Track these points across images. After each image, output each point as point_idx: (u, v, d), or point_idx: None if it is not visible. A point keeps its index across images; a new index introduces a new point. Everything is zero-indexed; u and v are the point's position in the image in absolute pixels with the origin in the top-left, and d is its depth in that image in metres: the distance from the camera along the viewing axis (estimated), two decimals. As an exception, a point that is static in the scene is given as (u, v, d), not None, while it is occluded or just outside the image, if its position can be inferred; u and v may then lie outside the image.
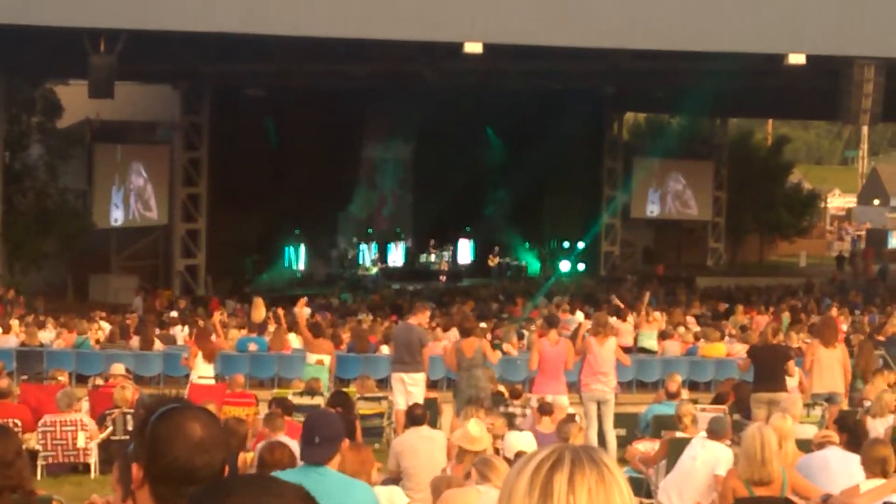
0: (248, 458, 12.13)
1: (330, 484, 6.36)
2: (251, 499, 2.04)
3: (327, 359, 19.83)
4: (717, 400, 18.42)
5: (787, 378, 17.35)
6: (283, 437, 11.34)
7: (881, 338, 27.81)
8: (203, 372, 19.89)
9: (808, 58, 30.52)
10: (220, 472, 3.05)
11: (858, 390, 18.75)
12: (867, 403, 15.66)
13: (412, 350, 17.86)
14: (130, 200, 44.04)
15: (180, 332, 29.04)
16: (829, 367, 17.63)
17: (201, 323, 28.40)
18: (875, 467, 9.19)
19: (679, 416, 13.74)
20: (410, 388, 17.69)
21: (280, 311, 26.41)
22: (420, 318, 19.01)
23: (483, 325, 26.99)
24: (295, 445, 10.07)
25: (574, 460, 2.33)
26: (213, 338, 21.69)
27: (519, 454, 8.66)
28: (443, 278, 51.65)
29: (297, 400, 17.29)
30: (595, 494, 2.30)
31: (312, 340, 19.98)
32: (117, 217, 43.70)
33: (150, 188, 44.66)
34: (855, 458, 10.06)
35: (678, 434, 13.33)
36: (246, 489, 2.07)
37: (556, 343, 17.55)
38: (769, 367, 17.17)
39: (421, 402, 17.15)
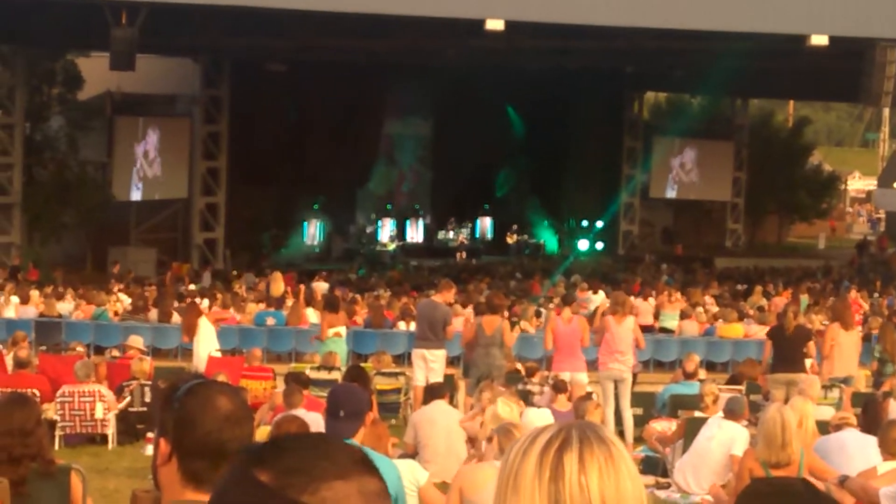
0: (263, 432, 12.20)
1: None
2: (304, 461, 2.04)
3: (344, 330, 19.95)
4: (733, 380, 18.43)
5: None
6: (300, 412, 11.39)
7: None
8: (205, 346, 19.86)
9: (831, 39, 30.40)
10: (248, 444, 3.06)
11: (887, 374, 18.67)
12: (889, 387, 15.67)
13: (435, 327, 17.85)
14: (148, 174, 44.12)
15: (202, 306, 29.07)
16: (847, 350, 17.66)
17: (219, 296, 28.53)
18: (893, 448, 9.17)
19: (701, 395, 13.75)
20: (432, 365, 17.72)
21: (302, 287, 26.50)
22: (445, 296, 18.97)
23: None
24: (312, 418, 10.13)
25: (582, 439, 2.32)
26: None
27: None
28: (462, 254, 51.61)
29: (313, 374, 17.36)
30: (605, 472, 2.29)
31: (327, 316, 20.08)
32: (138, 197, 43.86)
33: (159, 162, 44.61)
34: (872, 440, 10.05)
35: (695, 414, 13.34)
36: (300, 450, 2.06)
37: (570, 321, 17.57)
38: (789, 348, 17.19)
39: (441, 378, 17.23)
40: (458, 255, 51.56)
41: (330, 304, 20.56)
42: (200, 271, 41.06)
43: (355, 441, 6.50)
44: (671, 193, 55.68)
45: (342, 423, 6.48)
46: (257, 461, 2.03)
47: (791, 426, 9.08)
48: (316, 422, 10.27)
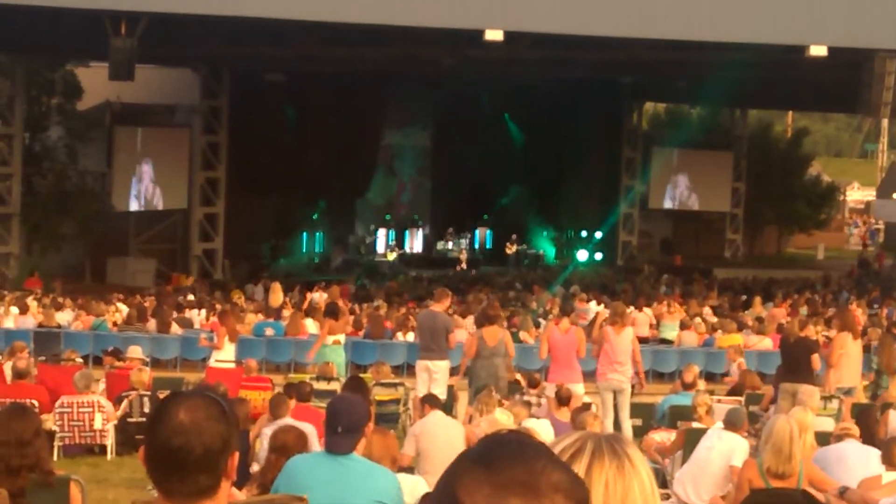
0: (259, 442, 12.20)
1: (354, 471, 6.38)
2: (490, 460, 2.03)
3: (343, 337, 19.98)
4: (733, 391, 18.40)
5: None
6: (289, 420, 11.37)
7: (899, 331, 27.74)
8: (223, 355, 19.92)
9: (830, 50, 30.42)
10: (202, 457, 3.11)
11: (884, 387, 18.66)
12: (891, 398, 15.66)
13: (437, 337, 17.81)
14: (148, 184, 44.12)
15: (197, 316, 29.10)
16: (854, 361, 17.66)
17: (218, 306, 28.49)
18: (896, 461, 9.16)
19: (694, 405, 13.74)
20: (435, 377, 17.70)
21: (306, 295, 26.49)
22: (443, 305, 19.01)
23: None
24: (305, 427, 10.13)
25: (595, 451, 2.30)
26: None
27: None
28: (462, 265, 51.62)
29: (314, 385, 17.32)
30: (612, 487, 2.27)
31: (328, 323, 20.09)
32: (137, 207, 43.84)
33: (159, 172, 44.58)
34: (873, 452, 10.03)
35: (694, 425, 13.32)
36: (502, 450, 2.03)
37: (567, 332, 17.50)
38: (794, 358, 17.23)
39: (444, 389, 17.20)
40: (458, 265, 51.57)
41: (331, 312, 20.53)
42: (254, 284, 40.44)
43: (355, 454, 6.51)
44: (670, 204, 55.66)
45: (340, 438, 6.50)
46: (475, 446, 2.08)
47: (797, 438, 9.08)
48: (312, 433, 10.26)
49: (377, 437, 7.85)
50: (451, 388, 18.43)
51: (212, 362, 19.85)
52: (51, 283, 36.41)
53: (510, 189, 54.33)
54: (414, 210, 55.22)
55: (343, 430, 6.48)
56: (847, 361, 17.63)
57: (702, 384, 17.94)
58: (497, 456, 2.01)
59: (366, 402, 7.45)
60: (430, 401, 13.17)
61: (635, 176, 54.11)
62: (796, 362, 17.22)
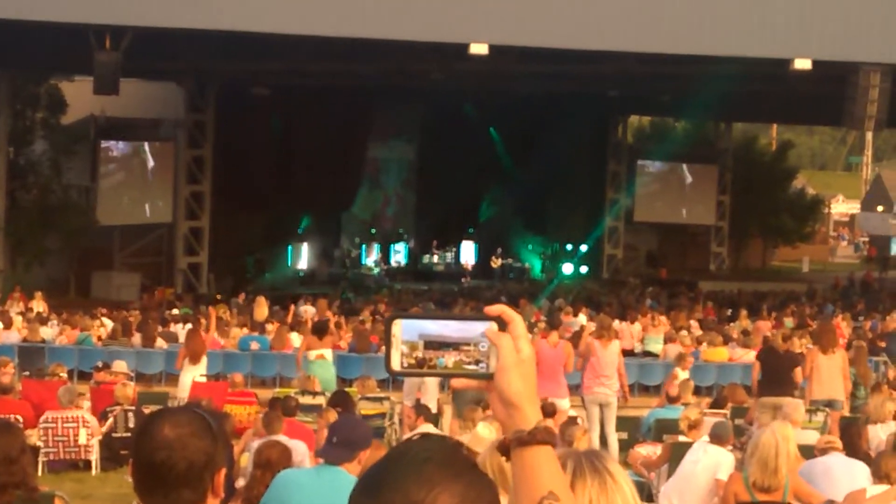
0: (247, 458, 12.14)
1: (341, 485, 6.40)
2: (374, 480, 2.02)
3: (329, 353, 19.90)
4: (717, 404, 18.40)
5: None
6: (281, 438, 11.35)
7: (882, 343, 27.80)
8: (197, 370, 19.80)
9: (814, 63, 30.52)
10: (186, 472, 3.13)
11: (861, 398, 18.74)
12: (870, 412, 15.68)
13: None
14: (132, 198, 44.07)
15: (182, 330, 28.97)
16: (828, 374, 17.64)
17: (203, 321, 28.42)
18: (884, 474, 9.15)
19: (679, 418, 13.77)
20: (425, 393, 17.69)
21: (291, 309, 26.40)
22: None
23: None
24: (294, 445, 10.12)
25: (576, 469, 2.29)
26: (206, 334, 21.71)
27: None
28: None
29: (299, 399, 17.28)
30: (596, 504, 2.26)
31: (310, 339, 20.05)
32: (121, 221, 43.75)
33: (143, 186, 44.53)
34: (858, 465, 10.04)
35: (680, 438, 13.32)
36: (387, 468, 2.01)
37: (555, 346, 17.49)
38: (776, 372, 17.21)
39: (435, 401, 17.17)
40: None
41: (318, 330, 20.46)
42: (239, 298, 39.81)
43: (343, 469, 6.53)
44: (655, 217, 55.67)
45: (332, 449, 6.57)
46: (373, 466, 2.08)
47: (783, 451, 9.08)
48: (298, 449, 10.24)
49: (369, 449, 7.89)
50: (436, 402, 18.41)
51: (186, 379, 19.66)
52: (30, 299, 36.16)
53: (495, 202, 54.34)
54: (399, 223, 55.19)
55: (337, 441, 6.56)
56: (818, 375, 17.63)
57: (691, 398, 17.95)
58: (381, 481, 1.99)
59: (369, 429, 7.52)
60: (422, 412, 13.17)
61: (620, 189, 54.21)
62: (778, 375, 17.23)
